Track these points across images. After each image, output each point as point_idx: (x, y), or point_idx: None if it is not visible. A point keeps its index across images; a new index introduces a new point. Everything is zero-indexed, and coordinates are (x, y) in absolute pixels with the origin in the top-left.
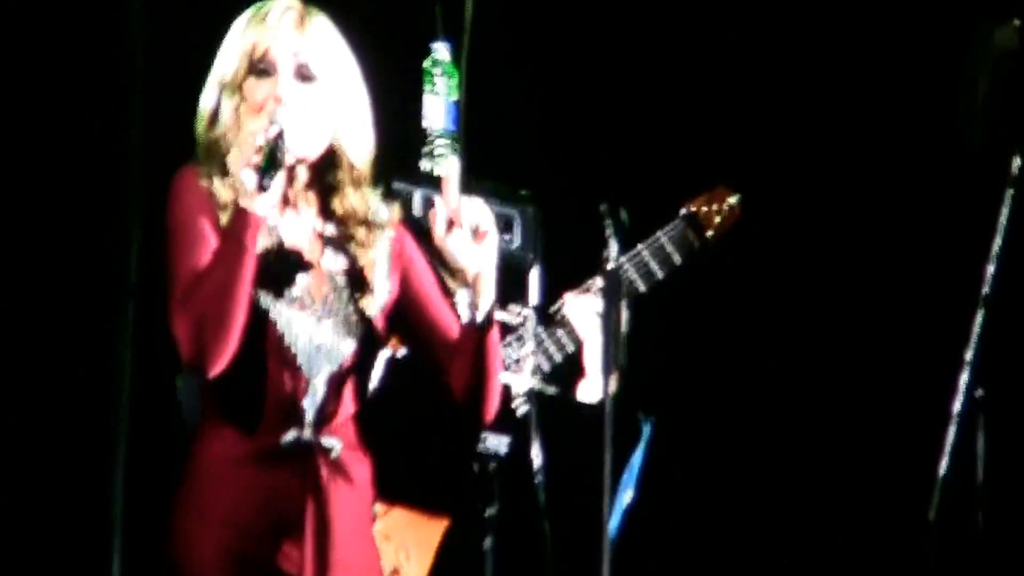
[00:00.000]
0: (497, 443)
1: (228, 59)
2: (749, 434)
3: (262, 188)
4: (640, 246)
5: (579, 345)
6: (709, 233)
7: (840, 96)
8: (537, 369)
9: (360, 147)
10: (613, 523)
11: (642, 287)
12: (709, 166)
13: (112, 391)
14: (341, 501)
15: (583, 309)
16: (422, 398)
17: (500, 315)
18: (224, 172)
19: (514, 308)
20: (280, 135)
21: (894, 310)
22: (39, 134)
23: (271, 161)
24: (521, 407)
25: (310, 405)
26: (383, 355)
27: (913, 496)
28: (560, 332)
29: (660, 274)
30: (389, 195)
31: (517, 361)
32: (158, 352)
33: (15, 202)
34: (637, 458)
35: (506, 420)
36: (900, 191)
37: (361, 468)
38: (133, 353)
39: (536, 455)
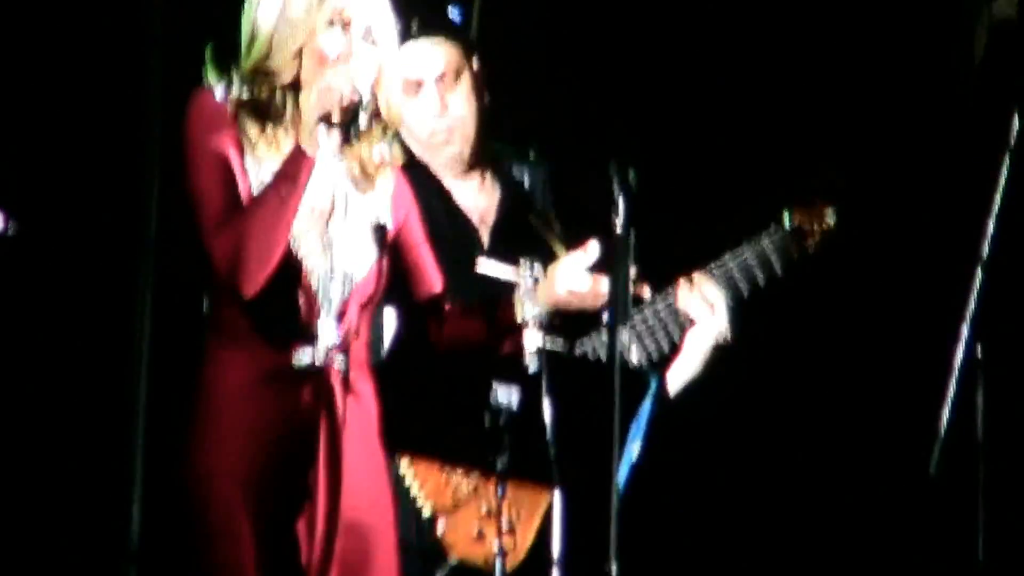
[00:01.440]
0: (508, 397)
1: (301, 3)
2: (752, 386)
3: (346, 141)
4: (745, 250)
5: (683, 328)
6: (809, 247)
7: (837, 52)
8: (648, 332)
9: (395, 108)
10: (621, 475)
11: (745, 292)
12: (718, 127)
13: (132, 342)
14: (352, 419)
15: (699, 293)
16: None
17: (511, 273)
18: (263, 108)
19: (525, 262)
20: (361, 99)
21: (894, 267)
22: (57, 86)
23: (353, 123)
24: (532, 364)
25: (323, 327)
26: (390, 310)
27: (914, 450)
28: (666, 314)
29: (761, 280)
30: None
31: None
32: (177, 300)
33: (34, 156)
34: (645, 410)
35: (516, 375)
36: (900, 152)
37: (367, 387)
38: (152, 303)
39: (546, 409)
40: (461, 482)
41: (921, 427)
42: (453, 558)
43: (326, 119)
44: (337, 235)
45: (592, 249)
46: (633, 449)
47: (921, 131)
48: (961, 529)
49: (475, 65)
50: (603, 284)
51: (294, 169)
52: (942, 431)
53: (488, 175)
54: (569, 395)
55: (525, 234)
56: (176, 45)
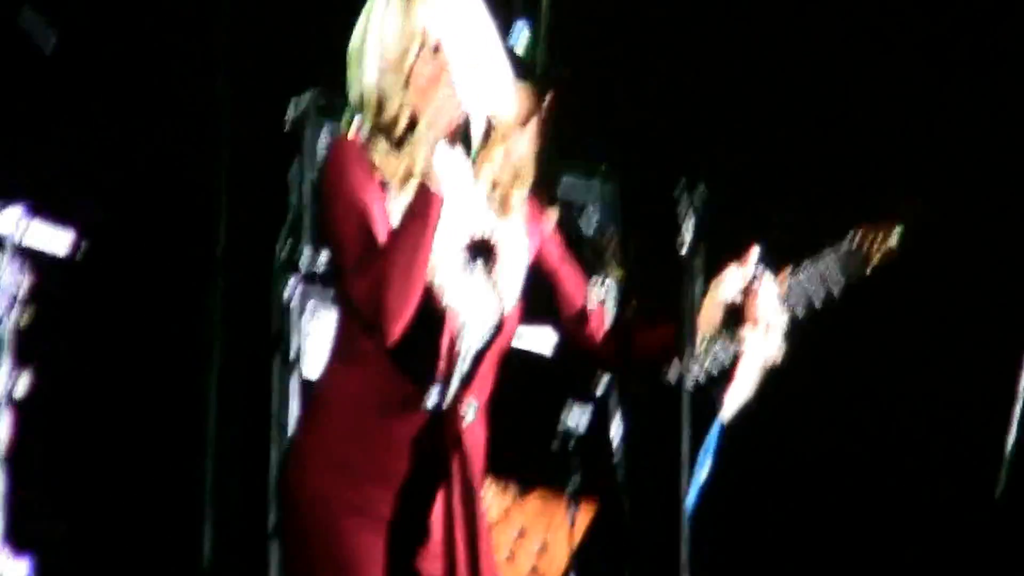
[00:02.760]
0: (577, 420)
1: (393, 40)
2: (819, 411)
3: (459, 168)
4: (812, 269)
5: (738, 354)
6: (872, 262)
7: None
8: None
9: (507, 112)
10: (690, 498)
11: (818, 305)
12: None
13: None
14: (476, 456)
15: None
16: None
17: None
18: (395, 151)
19: (596, 279)
20: (468, 118)
21: (961, 289)
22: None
23: (467, 143)
24: (601, 385)
25: (460, 369)
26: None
27: (981, 473)
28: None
29: (818, 303)
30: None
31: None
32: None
33: (105, 178)
34: (713, 434)
35: (586, 397)
36: (972, 173)
37: (482, 432)
38: (222, 326)
39: (615, 432)
40: (492, 504)
41: (988, 450)
42: None
43: (442, 146)
44: (480, 277)
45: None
46: (702, 472)
47: (996, 149)
48: None
49: (545, 106)
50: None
51: (423, 206)
52: (1008, 454)
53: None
54: (638, 416)
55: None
56: (244, 70)
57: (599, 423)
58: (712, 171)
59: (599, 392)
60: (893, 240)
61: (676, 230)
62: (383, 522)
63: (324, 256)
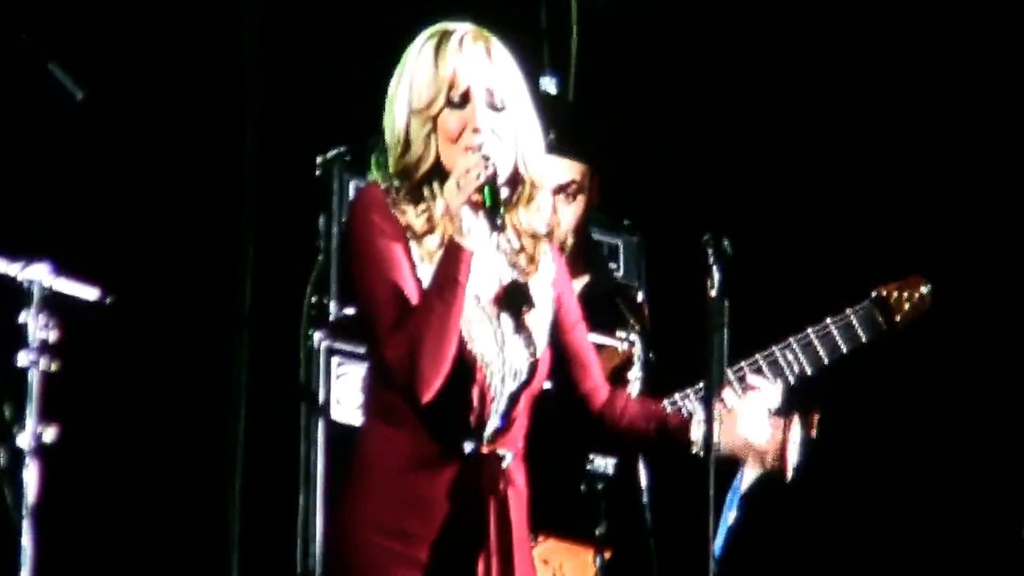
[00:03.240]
0: (604, 464)
1: (422, 87)
2: (847, 454)
3: (494, 227)
4: (828, 321)
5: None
6: (898, 318)
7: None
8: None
9: (537, 166)
10: (718, 543)
11: (825, 361)
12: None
13: (229, 417)
14: (514, 506)
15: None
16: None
17: (607, 340)
18: (417, 198)
19: (621, 334)
20: (496, 173)
21: (990, 338)
22: (154, 162)
23: (495, 199)
24: None
25: (493, 419)
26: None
27: (1005, 515)
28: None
29: (845, 349)
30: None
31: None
32: (272, 377)
33: (133, 233)
34: (740, 479)
35: (613, 442)
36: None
37: (521, 474)
38: (248, 378)
39: (643, 475)
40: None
41: (1012, 493)
42: None
43: (471, 203)
44: (507, 327)
45: (770, 394)
46: (729, 517)
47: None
48: None
49: (594, 185)
50: (783, 432)
51: (453, 267)
52: None
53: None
54: (665, 462)
55: (610, 315)
56: (272, 125)
57: (626, 465)
58: (737, 225)
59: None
60: (924, 290)
61: (700, 284)
62: (424, 568)
63: (350, 309)
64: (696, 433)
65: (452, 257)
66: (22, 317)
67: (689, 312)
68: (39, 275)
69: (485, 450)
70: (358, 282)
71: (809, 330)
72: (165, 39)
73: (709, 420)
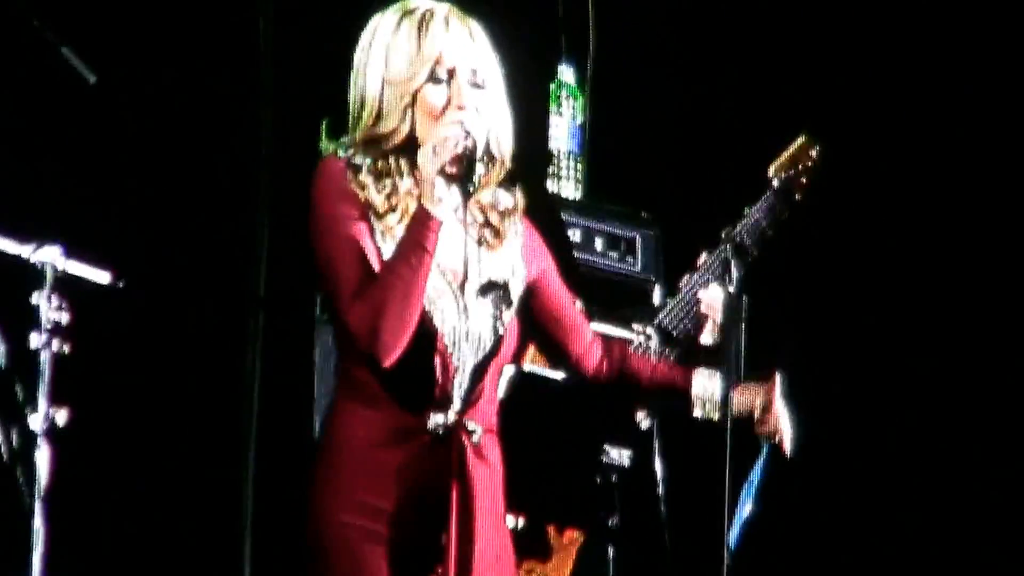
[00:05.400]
0: (619, 455)
1: (403, 61)
2: (864, 447)
3: (466, 195)
4: (738, 226)
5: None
6: (797, 197)
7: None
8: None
9: (508, 146)
10: (733, 535)
11: (740, 268)
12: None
13: (241, 399)
14: (482, 483)
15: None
16: (548, 410)
17: (624, 333)
18: (382, 171)
19: (638, 327)
20: (475, 145)
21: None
22: (168, 144)
23: (470, 170)
24: (644, 421)
25: (457, 391)
26: (508, 370)
27: None
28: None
29: (756, 252)
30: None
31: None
32: (285, 360)
33: (147, 215)
34: (757, 471)
35: (629, 433)
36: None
37: (496, 451)
38: (262, 361)
39: (658, 467)
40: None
41: None
42: None
43: (444, 173)
44: (471, 297)
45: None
46: (744, 510)
47: None
48: None
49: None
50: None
51: (421, 234)
52: None
53: None
54: (681, 454)
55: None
56: (287, 102)
57: (642, 458)
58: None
59: (643, 426)
60: (814, 154)
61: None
62: (397, 548)
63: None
64: (698, 387)
65: (421, 224)
66: (34, 299)
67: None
68: (51, 257)
69: (451, 423)
70: (319, 253)
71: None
72: (177, 20)
73: (727, 409)
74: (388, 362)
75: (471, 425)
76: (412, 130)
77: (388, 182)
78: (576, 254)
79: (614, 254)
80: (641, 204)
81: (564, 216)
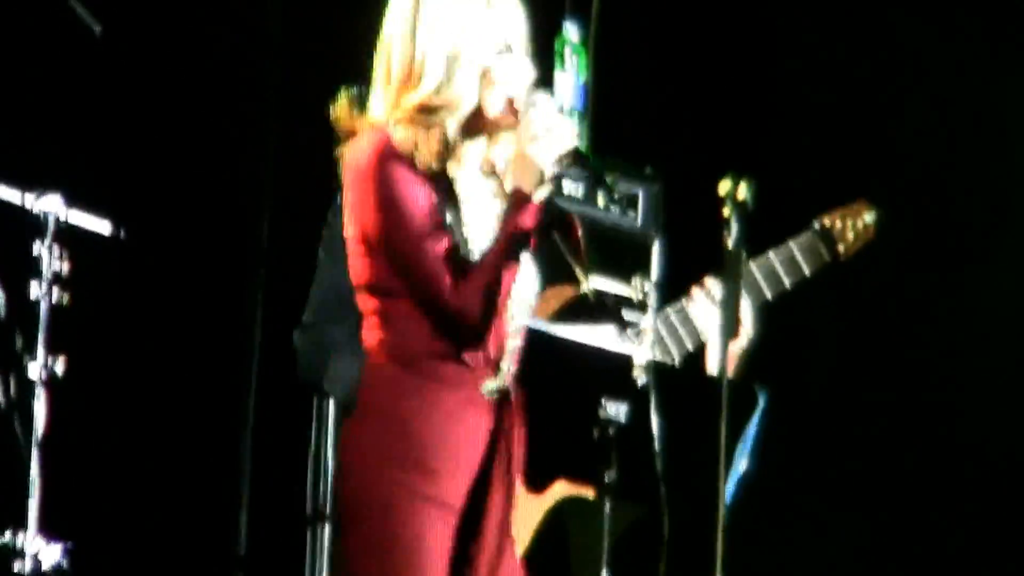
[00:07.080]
0: (616, 410)
1: (469, 31)
2: (862, 403)
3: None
4: (770, 253)
5: (701, 345)
6: (841, 248)
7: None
8: (659, 340)
9: (524, 105)
10: (729, 491)
11: (768, 295)
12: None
13: (242, 351)
14: (517, 443)
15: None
16: (547, 364)
17: (623, 289)
18: (434, 140)
19: (636, 282)
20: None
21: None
22: (172, 95)
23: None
24: (641, 377)
25: (508, 354)
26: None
27: None
28: (681, 328)
29: (787, 283)
30: None
31: (638, 332)
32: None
33: (149, 166)
34: (753, 427)
35: (625, 389)
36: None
37: (520, 411)
38: (263, 314)
39: (655, 424)
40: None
41: None
42: None
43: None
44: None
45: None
46: (740, 465)
47: None
48: None
49: None
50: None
51: (521, 219)
52: None
53: None
54: (678, 409)
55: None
56: (294, 61)
57: (638, 414)
58: (757, 166)
59: (639, 383)
60: (868, 219)
61: (718, 228)
62: (444, 506)
63: None
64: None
65: (520, 209)
66: (35, 248)
67: (708, 263)
68: (53, 206)
69: (503, 387)
70: (391, 234)
71: (752, 264)
72: None
73: (723, 368)
74: (484, 339)
75: (515, 389)
76: (479, 102)
77: (437, 149)
78: (578, 208)
79: (616, 208)
80: (644, 160)
81: (567, 171)
